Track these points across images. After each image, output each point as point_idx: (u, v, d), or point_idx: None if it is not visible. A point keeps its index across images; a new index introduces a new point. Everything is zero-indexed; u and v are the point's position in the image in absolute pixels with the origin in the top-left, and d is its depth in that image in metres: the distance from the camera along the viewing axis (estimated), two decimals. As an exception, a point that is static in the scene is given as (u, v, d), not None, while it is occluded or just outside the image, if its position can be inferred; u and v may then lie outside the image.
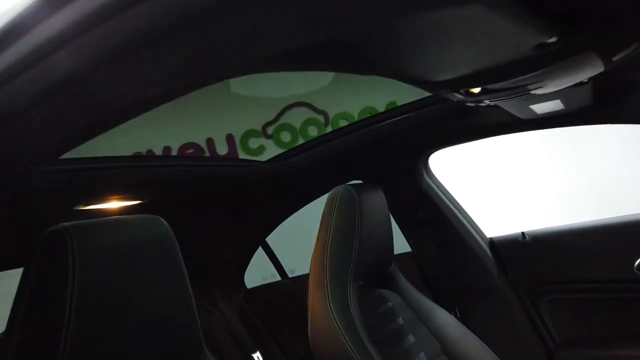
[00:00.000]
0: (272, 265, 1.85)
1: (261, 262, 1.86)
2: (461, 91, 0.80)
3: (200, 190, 1.20)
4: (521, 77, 0.70)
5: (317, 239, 1.13)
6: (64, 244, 0.53)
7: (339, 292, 1.04)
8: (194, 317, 0.69)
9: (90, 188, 0.90)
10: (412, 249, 1.45)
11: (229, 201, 1.42)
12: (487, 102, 0.85)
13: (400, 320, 1.15)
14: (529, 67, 0.66)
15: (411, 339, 1.12)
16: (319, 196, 1.51)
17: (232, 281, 1.90)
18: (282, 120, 3.49)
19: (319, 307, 1.04)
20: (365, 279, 1.15)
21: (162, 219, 0.67)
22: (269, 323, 1.82)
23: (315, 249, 1.12)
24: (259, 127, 3.42)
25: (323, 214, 1.14)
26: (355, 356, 0.93)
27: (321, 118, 3.46)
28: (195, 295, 1.62)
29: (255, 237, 1.75)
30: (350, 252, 1.08)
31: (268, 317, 1.82)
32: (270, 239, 1.80)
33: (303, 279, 1.76)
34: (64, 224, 0.54)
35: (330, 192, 1.14)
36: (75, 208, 0.92)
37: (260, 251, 1.81)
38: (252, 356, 1.70)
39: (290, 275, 1.83)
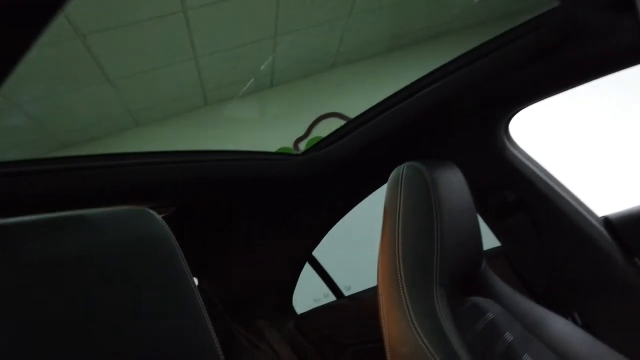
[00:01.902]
0: (323, 283, 1.61)
1: (310, 282, 1.62)
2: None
3: (225, 193, 0.98)
4: None
5: (382, 239, 0.88)
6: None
7: (423, 304, 0.79)
8: (210, 340, 0.46)
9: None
10: (500, 242, 1.17)
11: (261, 208, 1.19)
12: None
13: (508, 337, 0.87)
14: None
15: (527, 360, 0.85)
16: (371, 190, 1.26)
17: (278, 307, 1.67)
18: (314, 134, 3.35)
19: (399, 328, 0.78)
20: (451, 285, 0.89)
21: (150, 210, 0.45)
22: (327, 353, 1.57)
23: (382, 253, 0.87)
24: (290, 144, 3.29)
25: (385, 206, 0.89)
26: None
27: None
28: (237, 329, 1.37)
29: (300, 251, 1.52)
30: (431, 248, 0.82)
31: (325, 345, 1.57)
32: (317, 253, 1.56)
33: (363, 295, 1.50)
34: None
35: (392, 175, 0.90)
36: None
37: (307, 269, 1.58)
38: (313, 396, 1.45)
39: (346, 294, 1.58)
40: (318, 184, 1.20)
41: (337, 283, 1.59)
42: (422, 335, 0.75)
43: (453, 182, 0.91)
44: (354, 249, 2.28)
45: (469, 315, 0.88)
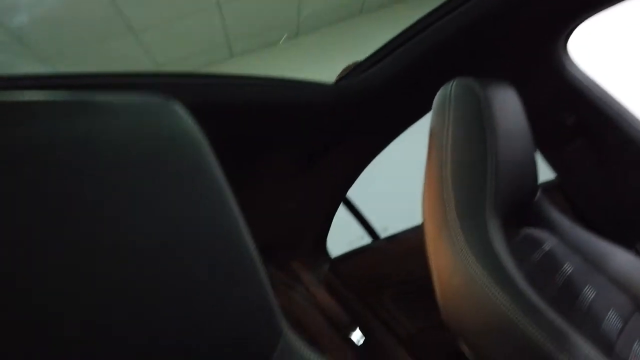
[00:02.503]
0: (358, 225, 1.56)
1: (345, 224, 1.58)
2: None
3: (255, 121, 0.92)
4: None
5: (427, 166, 0.81)
6: None
7: (474, 232, 0.72)
8: (259, 277, 0.40)
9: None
10: (556, 172, 1.08)
11: (293, 143, 1.13)
12: None
13: (568, 268, 0.81)
14: None
15: (589, 293, 0.78)
16: (412, 120, 1.18)
17: (312, 250, 1.64)
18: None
19: (449, 259, 0.72)
20: (504, 214, 0.82)
21: (176, 102, 0.39)
22: (364, 296, 1.54)
23: (427, 180, 0.80)
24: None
25: (431, 128, 0.82)
26: (525, 323, 0.61)
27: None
28: (271, 271, 1.33)
29: (334, 191, 1.46)
30: (483, 173, 0.75)
31: (362, 288, 1.54)
32: (352, 193, 1.50)
33: (401, 237, 1.45)
34: None
35: (439, 93, 0.82)
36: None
37: (341, 211, 1.53)
38: (351, 337, 1.44)
39: (383, 235, 1.52)
40: (354, 115, 1.13)
41: (373, 224, 1.54)
42: (474, 265, 0.69)
43: (507, 102, 0.82)
44: (391, 188, 2.21)
45: (523, 246, 0.82)
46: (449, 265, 0.73)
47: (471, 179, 0.74)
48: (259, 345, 0.40)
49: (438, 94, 0.81)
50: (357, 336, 1.44)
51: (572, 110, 0.99)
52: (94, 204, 0.30)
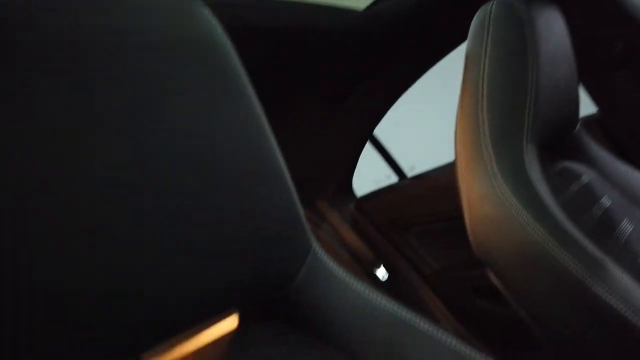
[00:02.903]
0: (384, 164, 1.54)
1: (371, 162, 1.56)
2: None
3: (278, 46, 0.88)
4: None
5: (462, 91, 0.77)
6: None
7: (510, 160, 0.69)
8: (288, 188, 0.39)
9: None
10: (598, 105, 1.02)
11: (319, 74, 1.09)
12: None
13: (606, 201, 0.77)
14: None
15: (627, 226, 0.75)
16: (446, 50, 1.12)
17: (338, 189, 1.64)
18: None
19: (481, 187, 0.70)
20: (542, 144, 0.78)
21: (206, 7, 0.37)
22: (389, 234, 1.55)
23: (462, 108, 0.77)
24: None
25: (467, 52, 0.77)
26: (560, 253, 0.59)
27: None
28: None
29: (361, 129, 1.43)
30: (523, 98, 0.71)
31: (387, 227, 1.54)
32: (379, 131, 1.47)
33: (428, 175, 1.42)
34: None
35: (477, 15, 0.76)
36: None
37: (368, 149, 1.50)
38: (375, 273, 1.45)
39: (410, 174, 1.50)
40: (384, 44, 1.08)
41: (400, 163, 1.52)
42: (508, 193, 0.67)
43: (552, 24, 0.76)
44: (419, 126, 2.16)
45: (560, 178, 0.78)
46: (480, 194, 0.70)
47: (509, 104, 0.71)
48: (288, 256, 0.39)
49: (476, 15, 0.76)
50: (381, 273, 1.46)
51: (620, 38, 0.91)
52: (122, 99, 0.29)
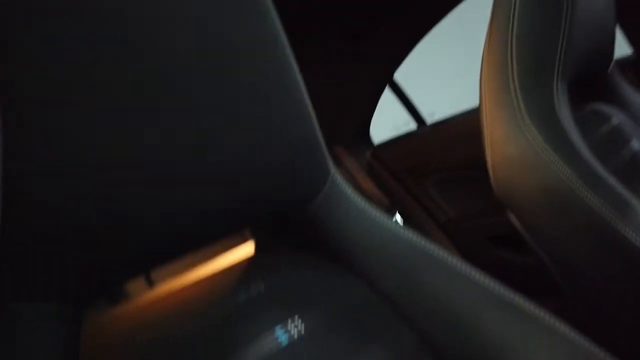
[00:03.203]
0: (404, 110, 1.50)
1: (390, 108, 1.52)
2: None
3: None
4: None
5: (491, 27, 0.73)
6: None
7: (537, 99, 0.66)
8: (307, 111, 0.38)
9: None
10: (634, 47, 0.97)
11: (340, 14, 1.05)
12: None
13: (635, 145, 0.74)
14: None
15: (657, 170, 0.72)
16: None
17: (355, 135, 1.62)
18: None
19: (506, 127, 0.68)
20: (572, 83, 0.75)
21: None
22: (406, 182, 1.53)
23: (490, 43, 0.73)
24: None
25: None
26: (585, 192, 0.58)
27: None
28: None
29: (380, 73, 1.39)
30: (555, 34, 0.67)
31: (404, 175, 1.52)
32: (399, 75, 1.43)
33: (448, 122, 1.39)
34: None
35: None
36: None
37: (387, 94, 1.46)
38: (391, 219, 1.45)
39: (429, 121, 1.47)
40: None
41: (419, 110, 1.48)
42: (535, 133, 0.64)
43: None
44: (441, 71, 2.09)
45: (589, 119, 0.75)
46: (506, 135, 0.68)
47: (541, 38, 0.67)
48: (307, 178, 0.38)
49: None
50: (397, 219, 1.45)
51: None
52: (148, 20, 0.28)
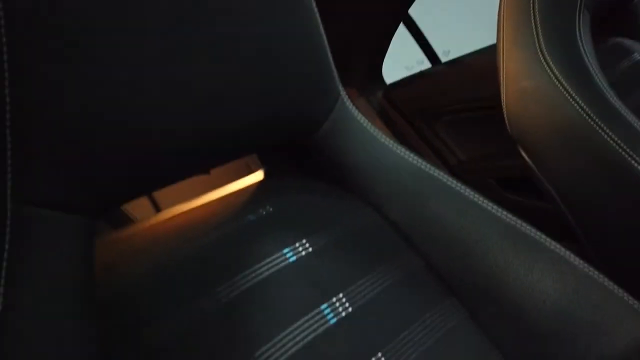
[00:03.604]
0: (417, 49, 1.46)
1: (403, 47, 1.48)
2: None
3: None
4: None
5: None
6: None
7: (557, 31, 0.63)
8: (317, 30, 0.36)
9: None
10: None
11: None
12: None
13: (657, 81, 0.72)
14: None
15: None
16: None
17: (367, 75, 1.58)
18: None
19: (523, 58, 0.65)
20: (594, 16, 0.71)
21: None
22: (417, 124, 1.51)
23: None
24: None
25: None
26: (600, 126, 0.56)
27: None
28: None
29: (394, 8, 1.34)
30: (582, -42, 0.63)
31: (415, 117, 1.50)
32: (413, 11, 1.37)
33: (464, 61, 1.35)
34: None
35: None
36: None
37: (400, 32, 1.42)
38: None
39: (444, 60, 1.43)
40: None
41: (434, 47, 1.44)
42: (553, 66, 0.62)
43: None
44: (457, 7, 2.01)
45: (610, 53, 0.73)
46: (522, 67, 0.66)
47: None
48: (316, 100, 0.38)
49: None
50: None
51: None
52: None
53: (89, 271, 0.27)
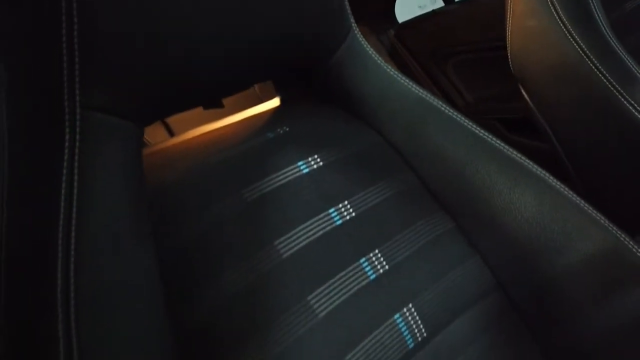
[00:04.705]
0: (431, -13, 1.45)
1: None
2: None
3: None
4: None
5: None
6: None
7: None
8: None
9: None
10: None
11: None
12: None
13: (660, 24, 0.74)
14: None
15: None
16: None
17: (379, 13, 1.58)
18: None
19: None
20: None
21: None
22: (427, 65, 1.53)
23: None
24: None
25: None
26: (597, 64, 0.60)
27: None
28: None
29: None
30: None
31: (426, 57, 1.52)
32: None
33: (476, 1, 1.35)
34: None
35: None
36: None
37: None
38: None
39: (457, -1, 1.42)
40: None
41: (448, -14, 1.43)
42: (557, 6, 0.65)
43: None
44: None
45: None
46: (528, 6, 0.69)
47: None
48: (329, 30, 0.42)
49: None
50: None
51: None
52: None
53: (140, 166, 0.34)
